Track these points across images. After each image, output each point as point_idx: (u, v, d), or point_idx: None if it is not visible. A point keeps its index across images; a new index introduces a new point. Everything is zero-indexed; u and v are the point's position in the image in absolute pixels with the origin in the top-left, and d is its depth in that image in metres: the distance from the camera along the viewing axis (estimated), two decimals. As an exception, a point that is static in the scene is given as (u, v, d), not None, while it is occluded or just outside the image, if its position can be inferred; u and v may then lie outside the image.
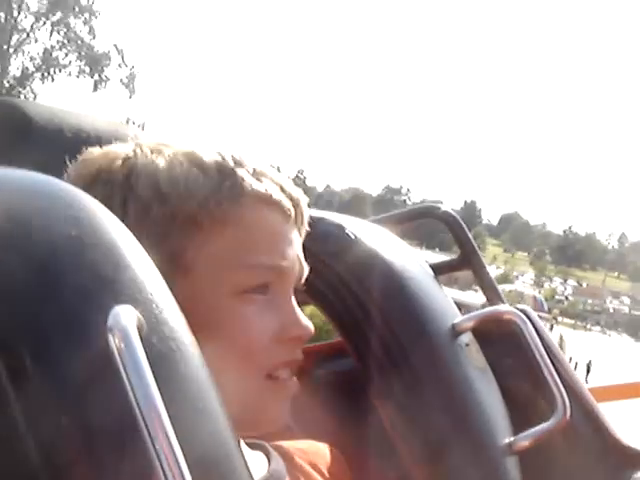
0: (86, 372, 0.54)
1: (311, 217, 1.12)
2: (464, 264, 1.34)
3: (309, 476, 0.99)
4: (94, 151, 0.89)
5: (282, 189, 0.89)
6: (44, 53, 32.53)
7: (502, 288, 1.21)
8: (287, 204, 0.89)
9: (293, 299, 0.89)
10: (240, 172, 0.85)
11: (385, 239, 1.20)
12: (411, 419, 1.08)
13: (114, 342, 0.54)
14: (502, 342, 1.20)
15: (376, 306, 1.10)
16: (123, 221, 0.68)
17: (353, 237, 1.14)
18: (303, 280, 0.93)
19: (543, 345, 1.13)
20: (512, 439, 1.07)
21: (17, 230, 0.59)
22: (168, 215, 0.81)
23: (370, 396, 1.11)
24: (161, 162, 0.85)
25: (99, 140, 1.00)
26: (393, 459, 1.09)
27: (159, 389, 0.53)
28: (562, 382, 1.11)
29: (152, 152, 0.87)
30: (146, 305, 0.59)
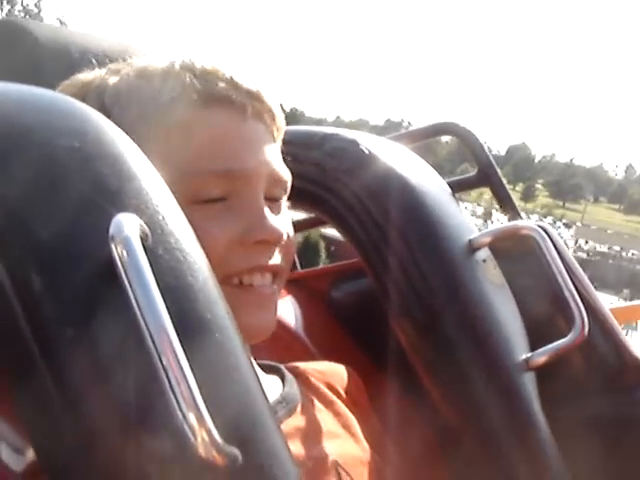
0: (89, 282, 0.54)
1: (324, 133, 1.10)
2: (482, 181, 1.32)
3: (324, 397, 0.98)
4: (71, 79, 0.88)
5: (233, 84, 0.84)
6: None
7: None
8: (240, 99, 0.84)
9: (262, 203, 0.83)
10: (183, 74, 0.82)
11: (401, 155, 1.17)
12: (428, 338, 1.07)
13: (116, 250, 0.53)
14: (520, 260, 1.19)
15: (393, 223, 1.08)
16: None
17: (367, 152, 1.11)
18: (286, 185, 0.88)
19: (562, 262, 1.12)
20: (529, 355, 1.06)
21: (20, 142, 0.58)
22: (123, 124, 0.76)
23: (388, 316, 1.10)
24: (112, 80, 0.84)
25: (106, 59, 0.99)
26: (410, 379, 1.09)
27: (164, 299, 0.52)
28: (581, 299, 1.09)
29: (110, 73, 0.86)
30: (151, 216, 0.58)
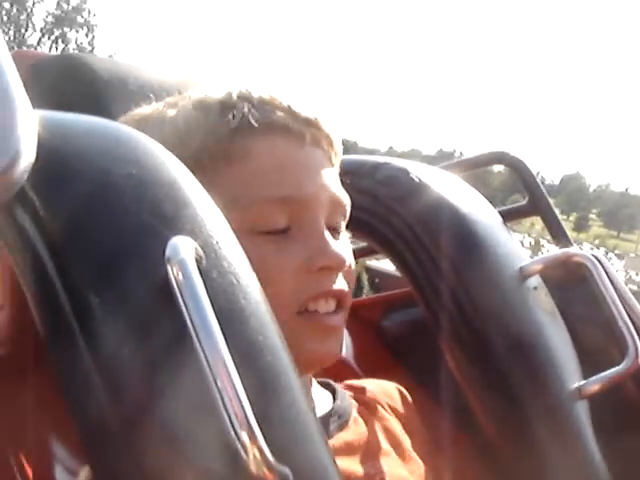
0: (146, 304, 0.56)
1: (375, 162, 1.11)
2: (533, 210, 1.32)
3: (377, 413, 0.98)
4: (129, 113, 0.91)
5: (291, 113, 0.85)
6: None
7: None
8: (298, 127, 0.84)
9: (323, 228, 0.84)
10: (241, 104, 0.83)
11: (451, 183, 1.18)
12: (479, 364, 1.07)
13: (172, 272, 0.55)
14: (572, 288, 1.18)
15: (443, 252, 1.09)
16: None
17: (418, 181, 1.12)
18: (346, 210, 0.89)
19: (615, 290, 1.11)
20: (582, 383, 1.05)
21: (81, 169, 0.60)
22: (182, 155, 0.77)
23: (439, 346, 1.11)
24: (170, 113, 0.86)
25: (163, 92, 1.01)
26: (461, 406, 1.08)
27: (218, 322, 0.54)
28: (634, 328, 1.08)
29: (168, 106, 0.87)
30: (206, 240, 0.60)
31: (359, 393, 1.00)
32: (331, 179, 0.87)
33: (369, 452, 0.91)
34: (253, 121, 0.82)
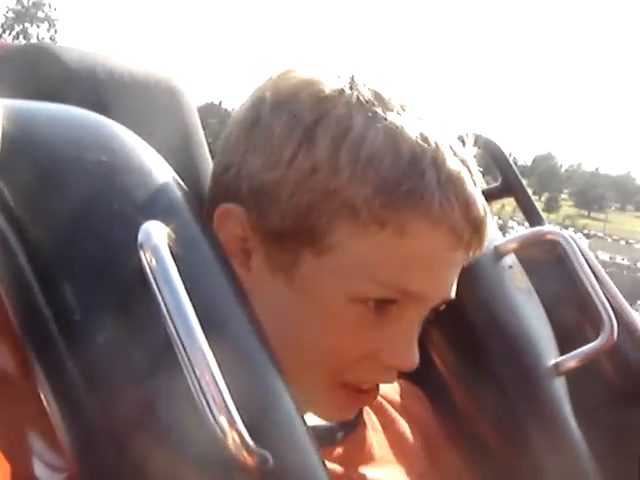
0: (120, 290, 0.55)
1: None
2: (506, 191, 1.32)
3: (384, 414, 0.96)
4: (301, 70, 0.77)
5: (467, 209, 0.73)
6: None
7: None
8: (466, 229, 0.73)
9: (417, 328, 0.77)
10: (429, 176, 0.70)
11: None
12: (458, 347, 1.07)
13: (145, 258, 0.54)
14: (546, 266, 1.19)
15: None
16: (289, 161, 0.70)
17: None
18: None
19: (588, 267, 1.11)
20: (559, 360, 1.06)
21: (50, 159, 0.60)
22: (331, 189, 0.71)
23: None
24: (357, 123, 0.72)
25: (135, 82, 1.00)
26: (440, 387, 1.08)
27: (192, 303, 0.53)
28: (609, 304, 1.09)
29: (358, 103, 0.73)
30: (178, 225, 0.60)
31: None
32: (455, 280, 0.79)
33: (371, 460, 0.89)
34: (436, 204, 0.71)
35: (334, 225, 0.71)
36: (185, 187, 0.65)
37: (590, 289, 1.08)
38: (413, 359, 0.77)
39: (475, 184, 0.75)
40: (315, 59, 0.81)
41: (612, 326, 1.06)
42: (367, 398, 0.82)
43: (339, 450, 0.85)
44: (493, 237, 1.13)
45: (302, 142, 0.72)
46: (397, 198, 0.70)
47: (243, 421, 0.52)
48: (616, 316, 1.08)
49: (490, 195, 1.34)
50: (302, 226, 0.72)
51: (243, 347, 0.59)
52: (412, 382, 1.10)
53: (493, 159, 1.34)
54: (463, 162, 0.74)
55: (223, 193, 0.76)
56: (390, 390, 0.99)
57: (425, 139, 0.72)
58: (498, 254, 1.09)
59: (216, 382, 0.52)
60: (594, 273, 1.12)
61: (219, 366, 0.52)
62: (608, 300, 1.09)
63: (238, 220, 0.74)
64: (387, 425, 0.95)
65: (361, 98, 0.73)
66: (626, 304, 1.18)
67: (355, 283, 0.72)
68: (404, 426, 0.98)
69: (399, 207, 0.70)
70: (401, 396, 1.01)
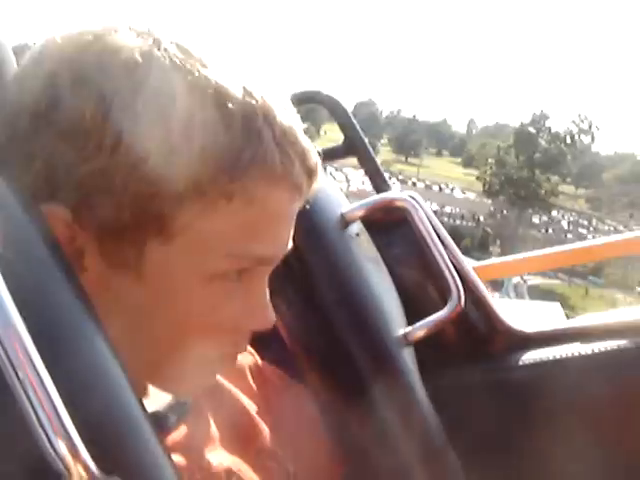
0: None
1: None
2: (349, 151, 1.29)
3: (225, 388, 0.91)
4: (86, 30, 0.67)
5: (304, 160, 0.70)
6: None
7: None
8: (304, 180, 0.71)
9: (266, 286, 0.75)
10: (265, 136, 0.66)
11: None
12: (307, 321, 1.03)
13: None
14: (391, 231, 1.17)
15: None
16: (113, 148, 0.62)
17: None
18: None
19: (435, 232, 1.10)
20: (408, 330, 1.05)
21: None
22: (171, 173, 0.64)
23: None
24: (180, 90, 0.64)
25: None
26: (287, 360, 1.05)
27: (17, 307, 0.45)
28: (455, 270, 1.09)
29: (172, 64, 0.65)
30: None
31: None
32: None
33: (213, 442, 0.84)
34: (278, 163, 0.68)
35: (180, 209, 0.65)
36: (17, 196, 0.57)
37: (437, 255, 1.07)
38: (272, 317, 0.76)
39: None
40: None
41: (459, 295, 1.06)
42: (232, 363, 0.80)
43: (175, 435, 0.79)
44: (339, 203, 1.09)
45: (121, 123, 0.63)
46: (241, 168, 0.66)
47: (82, 439, 0.44)
48: (462, 281, 1.08)
49: (333, 155, 1.31)
50: (143, 216, 0.65)
51: (79, 351, 0.52)
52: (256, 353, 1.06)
53: (335, 117, 1.30)
54: (289, 111, 0.71)
55: (41, 186, 0.66)
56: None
57: (250, 94, 0.67)
58: (345, 221, 1.06)
59: (51, 399, 0.44)
60: (441, 240, 1.11)
61: (53, 381, 0.44)
62: (454, 266, 1.09)
63: (61, 220, 0.65)
64: (225, 404, 0.90)
65: (174, 59, 0.65)
66: (471, 270, 1.18)
67: (211, 260, 0.68)
68: (246, 404, 0.93)
69: (244, 175, 0.66)
70: (247, 373, 0.97)
